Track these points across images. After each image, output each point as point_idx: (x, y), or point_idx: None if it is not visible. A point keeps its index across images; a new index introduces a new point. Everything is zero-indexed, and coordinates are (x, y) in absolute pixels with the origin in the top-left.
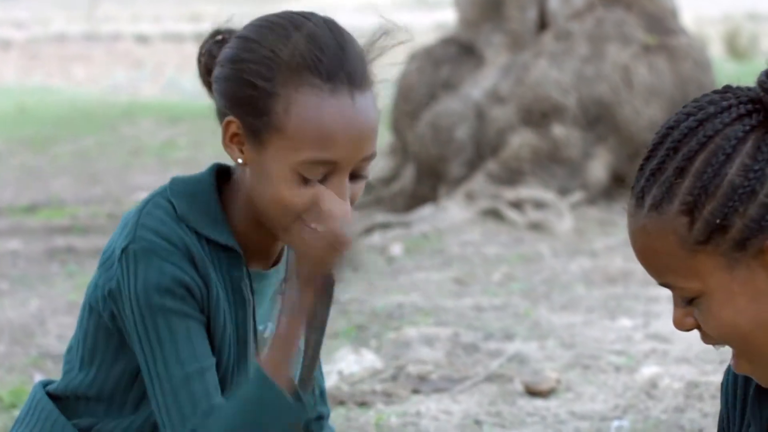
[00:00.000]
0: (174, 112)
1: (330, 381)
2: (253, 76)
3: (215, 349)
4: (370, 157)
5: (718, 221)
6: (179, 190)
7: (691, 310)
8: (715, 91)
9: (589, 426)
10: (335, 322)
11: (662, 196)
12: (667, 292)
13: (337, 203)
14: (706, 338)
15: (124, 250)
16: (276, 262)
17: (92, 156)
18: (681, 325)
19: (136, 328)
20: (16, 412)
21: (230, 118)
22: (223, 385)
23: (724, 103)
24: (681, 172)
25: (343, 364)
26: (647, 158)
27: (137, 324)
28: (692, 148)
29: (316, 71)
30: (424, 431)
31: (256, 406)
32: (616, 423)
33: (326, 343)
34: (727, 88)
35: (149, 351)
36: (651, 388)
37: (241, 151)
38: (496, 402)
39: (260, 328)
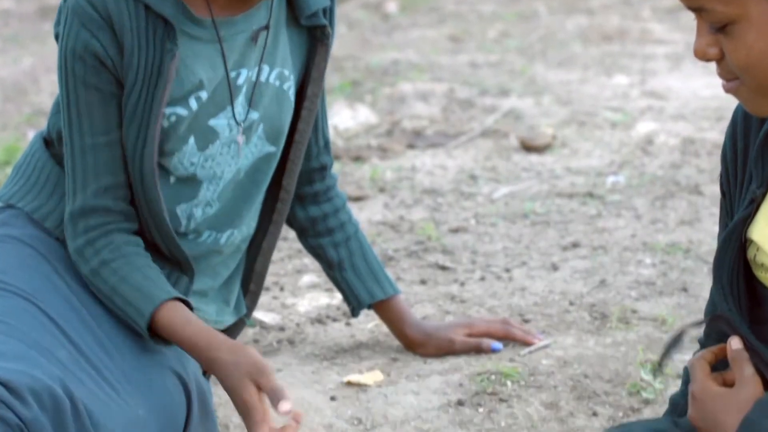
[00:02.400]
0: None
1: None
2: None
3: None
4: None
5: None
6: None
7: (717, 39)
8: None
9: (585, 181)
10: (330, 78)
11: None
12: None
13: None
14: (724, 71)
15: (64, 1)
16: (249, 6)
17: None
18: (703, 54)
19: (59, 82)
20: (9, 170)
21: None
22: (125, 152)
23: None
24: None
25: (338, 119)
26: None
27: (58, 79)
28: None
29: None
30: (419, 185)
31: (125, 314)
32: (611, 178)
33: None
34: None
35: (62, 109)
36: (647, 144)
37: None
38: (492, 157)
39: (233, 74)
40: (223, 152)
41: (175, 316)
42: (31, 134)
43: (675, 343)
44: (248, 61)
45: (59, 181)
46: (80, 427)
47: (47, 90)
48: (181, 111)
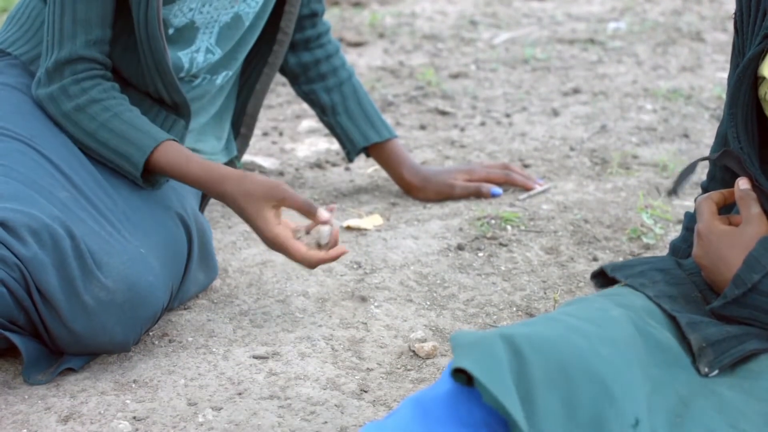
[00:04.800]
0: None
1: None
2: None
3: None
4: None
5: None
6: None
7: None
8: None
9: (586, 27)
10: None
11: None
12: None
13: None
14: None
15: None
16: None
17: None
18: None
19: None
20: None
21: None
22: (132, 12)
23: None
24: None
25: None
26: None
27: None
28: None
29: None
30: (418, 31)
31: (114, 150)
32: (612, 24)
33: None
34: None
35: None
36: None
37: None
38: (492, 2)
39: None
40: None
41: (177, 153)
42: None
43: (689, 171)
44: None
45: None
46: (82, 265)
47: None
48: None
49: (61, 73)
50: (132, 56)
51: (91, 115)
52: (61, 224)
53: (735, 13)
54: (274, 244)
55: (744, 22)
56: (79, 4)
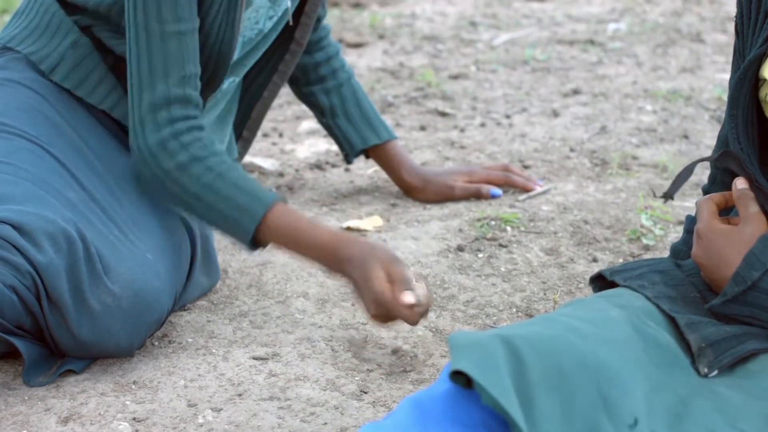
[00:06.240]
0: None
1: None
2: None
3: (203, 11)
4: None
5: None
6: None
7: None
8: None
9: (586, 28)
10: None
11: None
12: None
13: None
14: None
15: None
16: None
17: None
18: None
19: None
20: (7, 18)
21: None
22: (206, 48)
23: None
24: None
25: None
26: None
27: None
28: None
29: None
30: (418, 32)
31: (220, 214)
32: (612, 25)
33: None
34: None
35: None
36: None
37: None
38: (492, 3)
39: None
40: (251, 17)
41: (290, 216)
42: None
43: (686, 173)
44: None
45: (62, 24)
46: (91, 269)
47: None
48: None
49: (157, 120)
50: None
51: (194, 176)
52: (74, 226)
53: (736, 16)
54: (375, 292)
55: (744, 24)
56: (170, 41)
